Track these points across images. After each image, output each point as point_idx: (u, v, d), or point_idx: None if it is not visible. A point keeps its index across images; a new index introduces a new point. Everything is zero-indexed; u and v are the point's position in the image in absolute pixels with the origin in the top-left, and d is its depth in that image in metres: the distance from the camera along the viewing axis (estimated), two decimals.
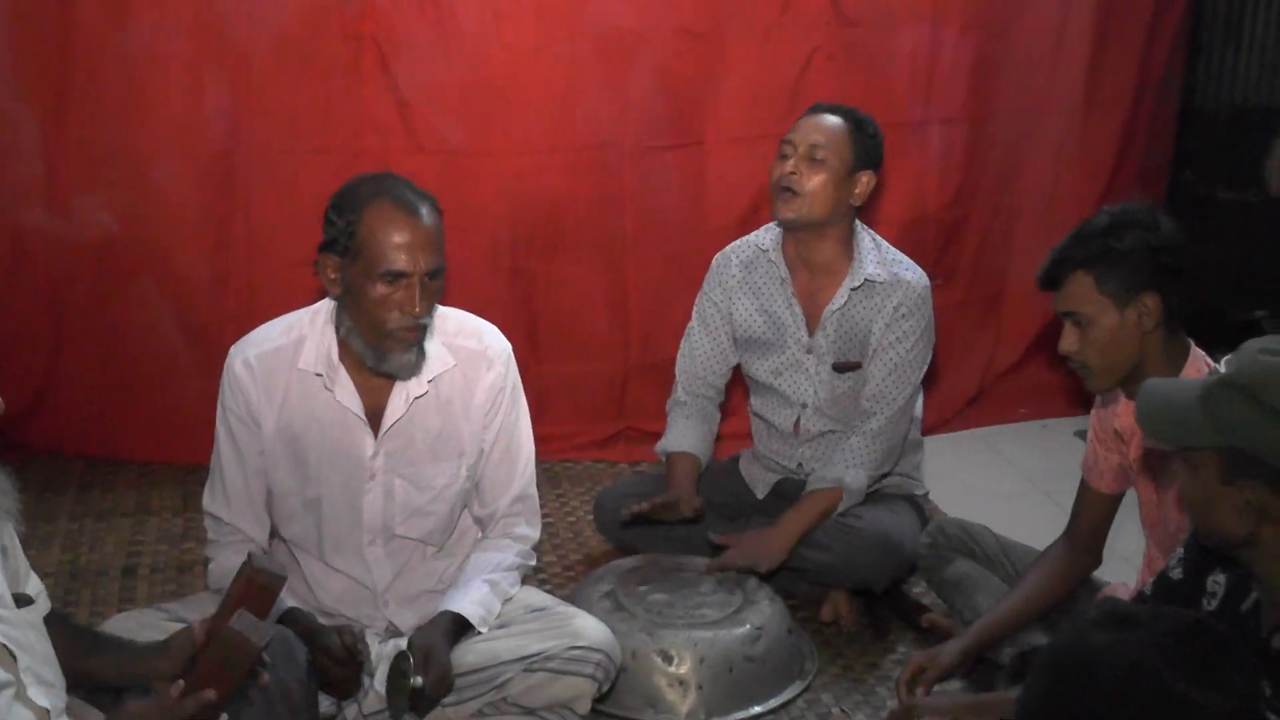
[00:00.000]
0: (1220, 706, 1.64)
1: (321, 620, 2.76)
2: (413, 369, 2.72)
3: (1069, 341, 2.64)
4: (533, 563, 2.96)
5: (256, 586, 2.18)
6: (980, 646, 2.87)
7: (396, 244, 2.57)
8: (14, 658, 2.01)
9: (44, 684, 2.05)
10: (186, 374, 4.14)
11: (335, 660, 2.61)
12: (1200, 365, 2.63)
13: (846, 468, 3.34)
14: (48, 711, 2.03)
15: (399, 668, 2.59)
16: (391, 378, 2.73)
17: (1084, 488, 2.94)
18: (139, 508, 4.03)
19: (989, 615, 2.94)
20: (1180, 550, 2.25)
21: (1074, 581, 2.95)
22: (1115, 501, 2.92)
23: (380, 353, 2.67)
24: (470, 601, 2.76)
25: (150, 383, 4.15)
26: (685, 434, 3.53)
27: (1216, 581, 2.14)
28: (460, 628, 2.73)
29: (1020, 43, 4.63)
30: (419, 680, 2.57)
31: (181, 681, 2.08)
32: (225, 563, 2.77)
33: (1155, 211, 2.64)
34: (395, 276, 2.58)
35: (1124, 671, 1.24)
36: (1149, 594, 2.28)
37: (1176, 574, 2.23)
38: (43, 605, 2.16)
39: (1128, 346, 2.60)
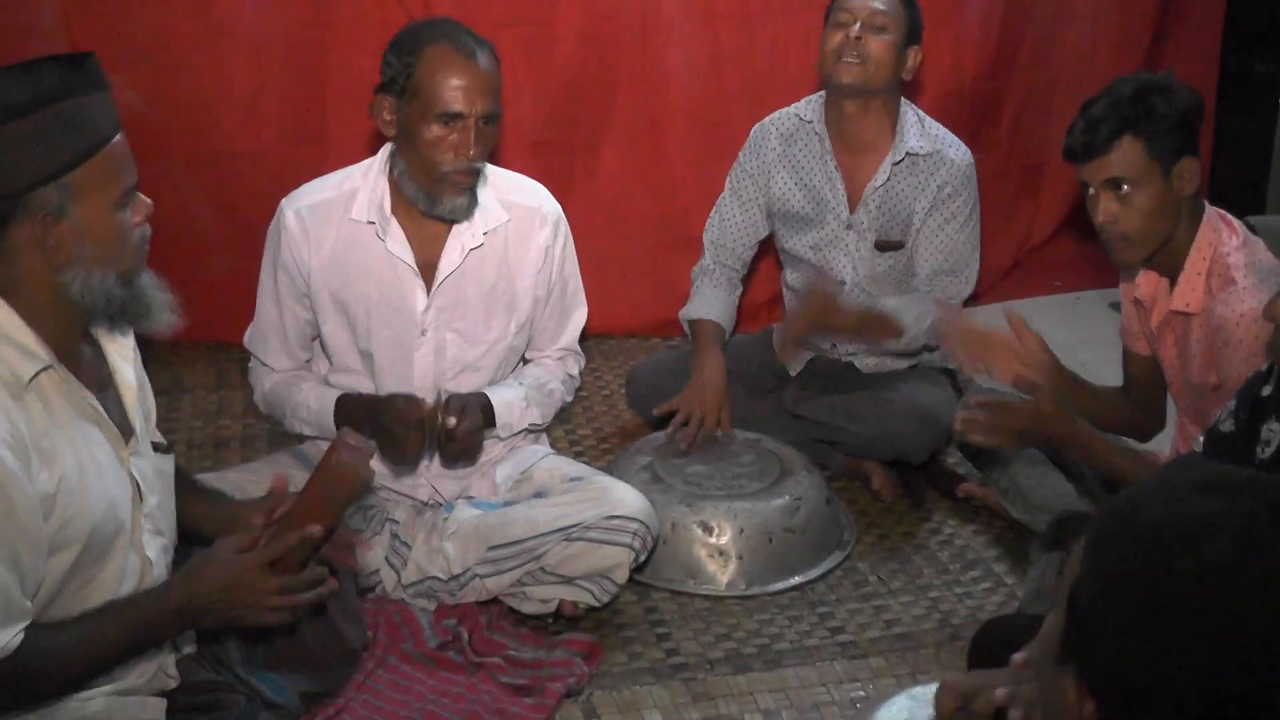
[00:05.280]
0: None
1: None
2: (464, 212, 2.74)
3: (1110, 211, 2.54)
4: (570, 398, 3.05)
5: (346, 457, 2.03)
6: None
7: (454, 85, 2.60)
8: (141, 497, 2.02)
9: (157, 533, 2.06)
10: (218, 251, 4.09)
11: (405, 424, 2.66)
12: (1215, 222, 2.59)
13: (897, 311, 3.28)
14: (151, 562, 2.04)
15: (436, 411, 2.68)
16: (442, 223, 2.75)
17: (1126, 352, 2.96)
18: (173, 385, 4.01)
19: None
20: (1232, 403, 2.21)
21: (1139, 424, 2.97)
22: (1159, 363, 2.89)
23: (432, 196, 2.69)
24: (503, 402, 2.83)
25: (181, 260, 4.07)
26: (710, 302, 3.49)
27: (1271, 429, 2.09)
28: (490, 415, 2.81)
29: None
30: (452, 421, 2.66)
31: (263, 516, 2.06)
32: (264, 382, 2.90)
33: (1174, 76, 2.57)
34: (451, 118, 2.61)
35: (1236, 543, 1.12)
36: (1199, 452, 2.24)
37: (1227, 426, 2.20)
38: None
39: (1169, 213, 2.55)
